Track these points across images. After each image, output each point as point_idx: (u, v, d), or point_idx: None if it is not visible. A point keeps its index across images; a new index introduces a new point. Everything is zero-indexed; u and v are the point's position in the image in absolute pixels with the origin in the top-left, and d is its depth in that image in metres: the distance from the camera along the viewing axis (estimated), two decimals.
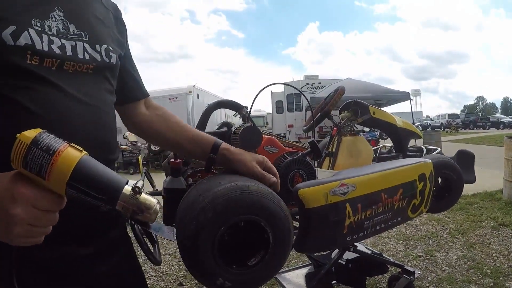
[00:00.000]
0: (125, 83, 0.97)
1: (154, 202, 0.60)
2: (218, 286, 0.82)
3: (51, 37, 0.71)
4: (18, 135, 0.53)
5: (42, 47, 0.69)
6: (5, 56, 0.66)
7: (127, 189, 0.57)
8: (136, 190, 0.57)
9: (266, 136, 1.32)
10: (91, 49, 0.79)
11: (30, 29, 0.68)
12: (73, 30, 0.77)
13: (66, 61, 0.73)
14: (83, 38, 0.78)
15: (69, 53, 0.74)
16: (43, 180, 0.53)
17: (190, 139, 1.01)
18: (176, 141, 1.02)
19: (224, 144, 0.99)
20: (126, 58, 0.97)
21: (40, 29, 0.70)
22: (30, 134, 0.53)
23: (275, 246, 0.85)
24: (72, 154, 0.54)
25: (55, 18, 0.74)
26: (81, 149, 0.56)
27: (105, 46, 0.83)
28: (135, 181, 0.59)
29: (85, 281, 0.82)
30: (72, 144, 0.56)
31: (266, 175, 0.94)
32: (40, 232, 0.56)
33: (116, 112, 0.94)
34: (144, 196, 0.59)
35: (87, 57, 0.78)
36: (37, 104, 0.68)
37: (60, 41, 0.73)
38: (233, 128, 1.29)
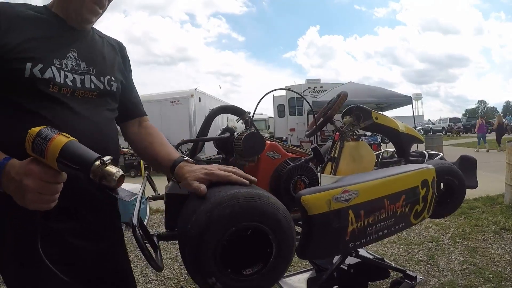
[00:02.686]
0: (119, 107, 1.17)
1: (115, 171, 0.76)
2: (209, 285, 0.81)
3: (66, 73, 0.98)
4: (29, 130, 0.75)
5: (60, 80, 0.96)
6: (35, 85, 0.92)
7: (97, 162, 0.75)
8: (102, 162, 0.75)
9: (269, 142, 1.33)
10: (96, 80, 1.05)
11: (52, 66, 0.94)
12: (83, 67, 1.03)
13: (76, 89, 0.99)
14: (91, 72, 1.05)
15: (78, 84, 1.00)
16: (43, 159, 0.74)
17: (152, 158, 1.12)
18: (147, 159, 1.17)
19: (181, 165, 0.98)
20: (126, 84, 1.19)
21: (59, 66, 0.96)
22: (36, 129, 0.75)
23: (275, 261, 0.85)
24: (60, 140, 0.75)
25: (71, 58, 1.00)
26: (69, 136, 0.76)
27: (108, 77, 1.09)
28: (107, 157, 0.76)
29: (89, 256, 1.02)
30: (62, 133, 0.76)
31: (197, 188, 0.87)
32: (47, 199, 0.76)
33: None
34: (109, 167, 0.75)
35: (92, 86, 1.04)
36: (56, 118, 0.92)
37: (72, 76, 0.99)
38: (235, 134, 1.29)
